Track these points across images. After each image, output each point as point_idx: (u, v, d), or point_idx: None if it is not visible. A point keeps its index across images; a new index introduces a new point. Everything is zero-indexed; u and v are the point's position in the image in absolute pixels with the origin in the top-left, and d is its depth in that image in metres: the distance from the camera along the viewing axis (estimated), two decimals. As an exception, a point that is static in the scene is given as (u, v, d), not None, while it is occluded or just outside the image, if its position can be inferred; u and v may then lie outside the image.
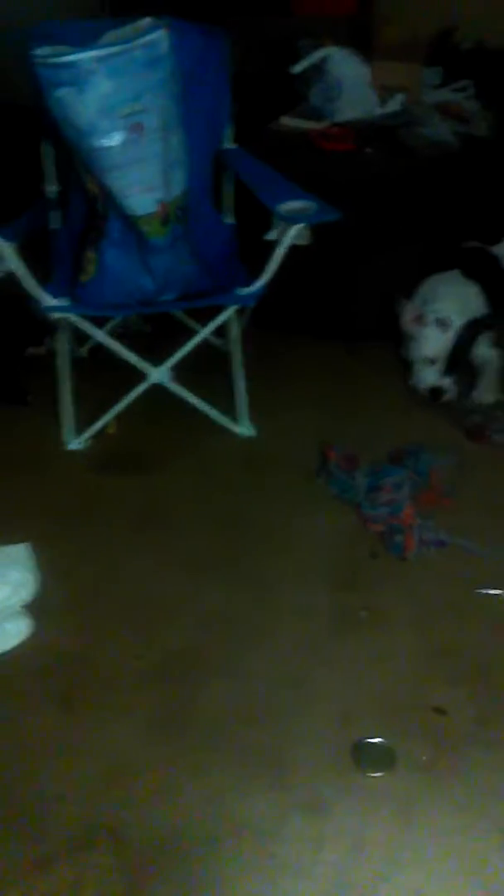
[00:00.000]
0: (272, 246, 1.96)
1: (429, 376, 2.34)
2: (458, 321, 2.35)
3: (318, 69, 2.75)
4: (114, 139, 1.78)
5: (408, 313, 2.41)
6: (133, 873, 1.24)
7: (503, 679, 1.58)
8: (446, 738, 1.45)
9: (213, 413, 2.23)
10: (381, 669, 1.59)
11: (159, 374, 2.11)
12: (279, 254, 1.93)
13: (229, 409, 2.28)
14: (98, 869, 1.24)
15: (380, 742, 1.44)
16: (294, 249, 1.95)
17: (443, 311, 2.37)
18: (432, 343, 2.35)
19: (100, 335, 2.11)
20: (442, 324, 2.35)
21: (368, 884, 1.24)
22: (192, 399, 2.19)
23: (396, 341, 2.64)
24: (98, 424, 2.21)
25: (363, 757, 1.41)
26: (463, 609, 1.74)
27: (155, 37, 1.75)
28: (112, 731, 1.45)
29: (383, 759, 1.41)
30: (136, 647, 1.62)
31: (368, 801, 1.34)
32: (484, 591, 1.78)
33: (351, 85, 2.67)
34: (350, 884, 1.24)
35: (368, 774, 1.38)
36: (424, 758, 1.41)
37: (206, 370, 2.38)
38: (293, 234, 1.89)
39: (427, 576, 1.82)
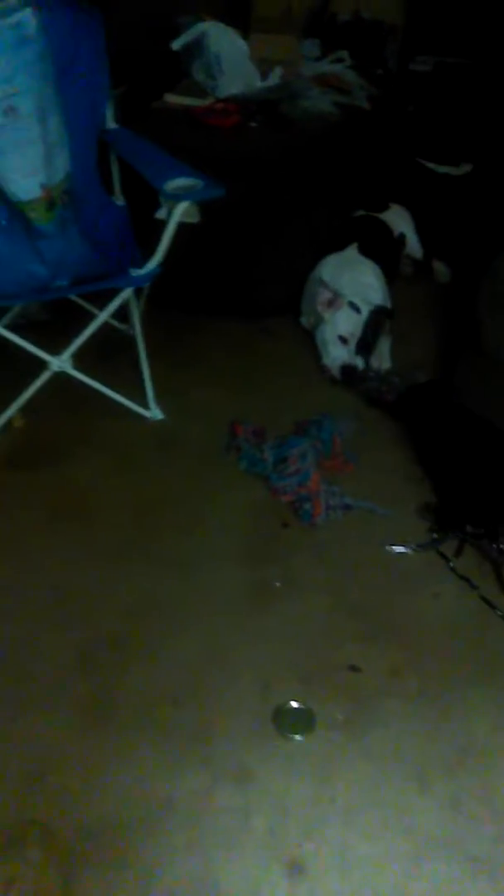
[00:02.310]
0: (164, 225, 1.94)
1: (342, 354, 2.38)
2: (366, 308, 2.41)
3: (199, 45, 2.72)
4: (-12, 124, 1.73)
5: (320, 297, 2.44)
6: (66, 865, 1.25)
7: (412, 631, 1.65)
8: (361, 695, 1.51)
9: (121, 398, 2.21)
10: (297, 635, 1.63)
11: (60, 363, 2.07)
12: (169, 233, 1.91)
13: (138, 394, 2.26)
14: (30, 865, 1.24)
15: (299, 706, 1.48)
16: (191, 228, 1.93)
17: (351, 296, 2.42)
18: (346, 323, 2.39)
19: (-6, 327, 2.06)
20: (354, 307, 2.40)
21: (296, 844, 1.28)
22: (98, 386, 2.16)
23: (296, 313, 2.68)
24: (2, 419, 2.16)
25: (284, 722, 1.45)
26: (371, 568, 1.80)
27: (22, 16, 1.70)
28: (38, 725, 1.44)
29: (303, 722, 1.45)
30: (58, 639, 1.61)
31: (291, 765, 1.39)
32: (390, 549, 1.84)
33: (231, 60, 2.66)
34: (279, 846, 1.28)
35: (290, 738, 1.43)
36: (341, 716, 1.47)
37: (113, 355, 2.36)
38: (180, 212, 1.88)
39: (336, 540, 1.87)
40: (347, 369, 2.37)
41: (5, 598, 1.71)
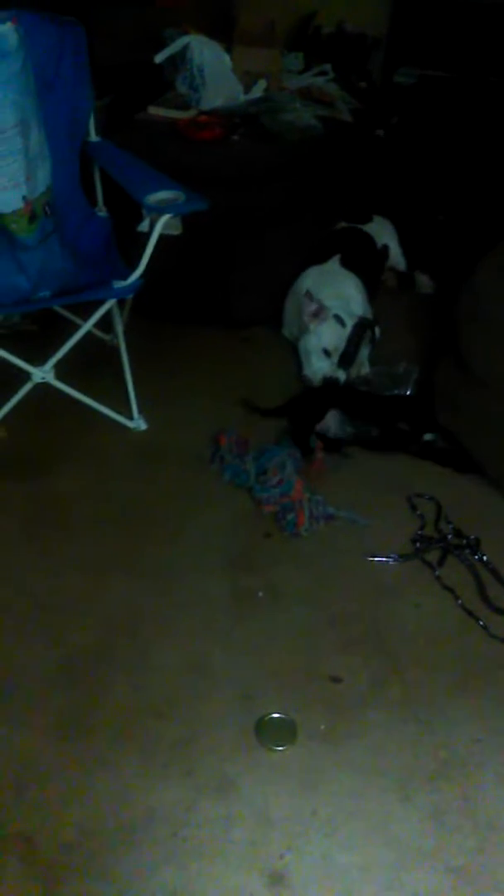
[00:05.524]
0: (146, 237, 1.95)
1: (324, 366, 2.40)
2: (349, 321, 2.44)
3: (182, 57, 2.73)
4: (-31, 137, 1.73)
5: (307, 308, 2.46)
6: (46, 878, 1.24)
7: (393, 641, 1.66)
8: (343, 705, 1.51)
9: (104, 409, 2.21)
10: (279, 645, 1.63)
11: (42, 374, 2.07)
12: (151, 245, 1.93)
13: (121, 404, 2.26)
14: (11, 877, 1.24)
15: (281, 717, 1.48)
16: (174, 239, 1.95)
17: (336, 309, 2.44)
18: (331, 336, 2.41)
19: (-25, 339, 2.06)
20: (340, 320, 2.42)
21: (277, 855, 1.28)
22: (81, 396, 2.16)
23: (278, 324, 2.69)
24: (-17, 430, 2.15)
25: (266, 733, 1.45)
26: (353, 578, 1.81)
27: (2, 30, 1.70)
28: (18, 738, 1.44)
29: (285, 732, 1.45)
30: (39, 651, 1.60)
31: (273, 776, 1.39)
32: (371, 559, 1.85)
33: (214, 72, 2.66)
34: (260, 857, 1.27)
35: (271, 749, 1.43)
36: (323, 726, 1.47)
37: (97, 366, 2.36)
38: (162, 225, 1.89)
39: (318, 550, 1.88)
40: (329, 381, 2.38)
41: (-15, 610, 1.70)
